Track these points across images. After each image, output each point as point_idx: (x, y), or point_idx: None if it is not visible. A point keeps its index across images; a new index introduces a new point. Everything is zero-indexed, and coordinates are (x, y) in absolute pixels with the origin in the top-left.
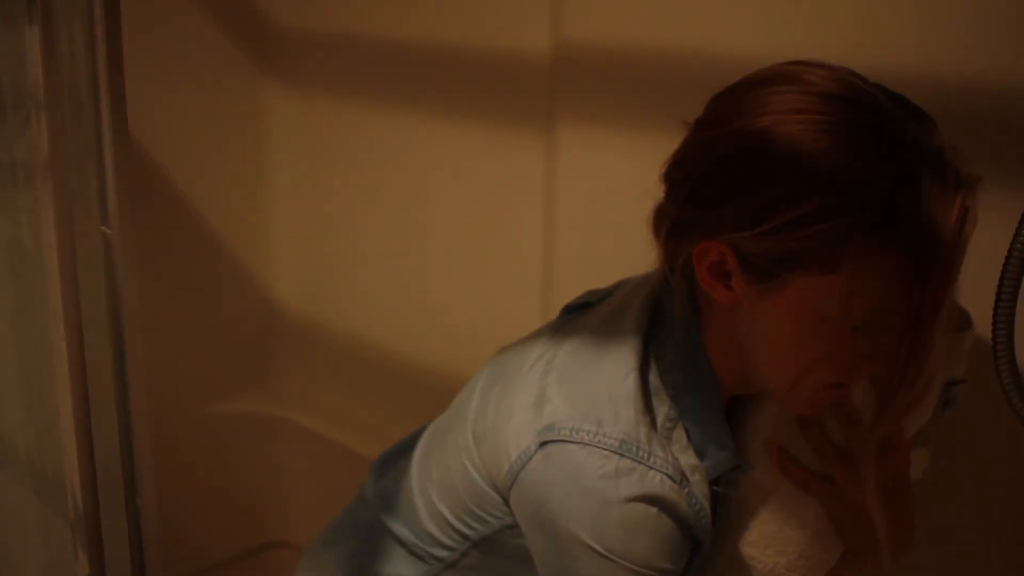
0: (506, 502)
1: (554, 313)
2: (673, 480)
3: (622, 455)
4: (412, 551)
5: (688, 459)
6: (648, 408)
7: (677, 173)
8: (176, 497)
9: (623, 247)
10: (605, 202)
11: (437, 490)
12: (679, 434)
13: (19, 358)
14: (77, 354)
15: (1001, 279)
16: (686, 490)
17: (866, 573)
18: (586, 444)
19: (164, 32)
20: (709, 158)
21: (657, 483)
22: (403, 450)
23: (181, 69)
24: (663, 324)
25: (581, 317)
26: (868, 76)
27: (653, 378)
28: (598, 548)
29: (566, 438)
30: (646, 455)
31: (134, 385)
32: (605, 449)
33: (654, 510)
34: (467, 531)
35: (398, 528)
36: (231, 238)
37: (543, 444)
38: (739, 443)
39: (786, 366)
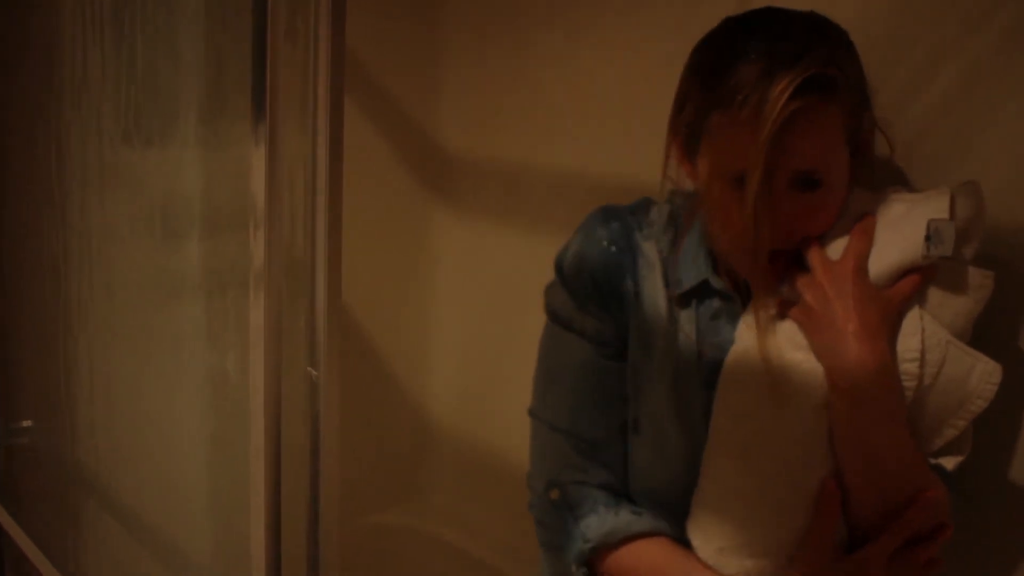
0: None
1: None
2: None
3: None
4: None
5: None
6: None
7: None
8: None
9: None
10: None
11: None
12: (661, 239)
13: (212, 483)
14: (273, 487)
15: None
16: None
17: None
18: None
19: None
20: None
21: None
22: None
23: (354, 192)
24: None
25: None
26: None
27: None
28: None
29: None
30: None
31: (325, 521)
32: None
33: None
34: None
35: None
36: (392, 354)
37: None
38: None
39: (718, 228)
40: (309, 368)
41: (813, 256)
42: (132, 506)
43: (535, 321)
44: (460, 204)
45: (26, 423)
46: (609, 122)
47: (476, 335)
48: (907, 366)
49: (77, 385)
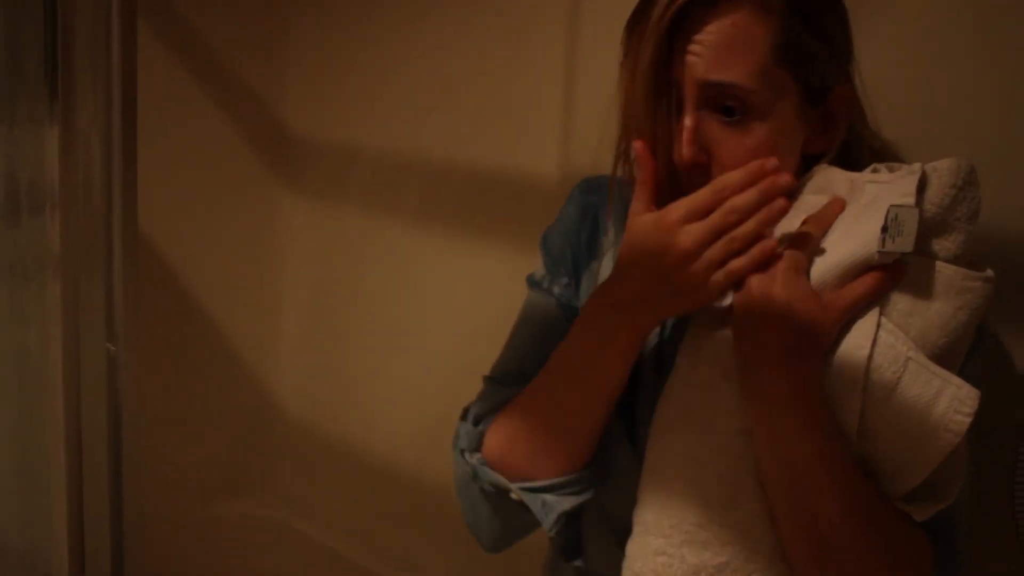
0: None
1: None
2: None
3: None
4: None
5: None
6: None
7: None
8: None
9: None
10: None
11: None
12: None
13: (18, 463)
14: (75, 464)
15: None
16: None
17: None
18: None
19: (182, 140)
20: None
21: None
22: None
23: (199, 172)
24: None
25: None
26: None
27: None
28: None
29: None
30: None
31: (129, 498)
32: None
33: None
34: None
35: None
36: (239, 341)
37: None
38: None
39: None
40: (108, 344)
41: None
42: None
43: (383, 303)
44: (305, 186)
45: None
46: (452, 105)
47: (324, 319)
48: None
49: None
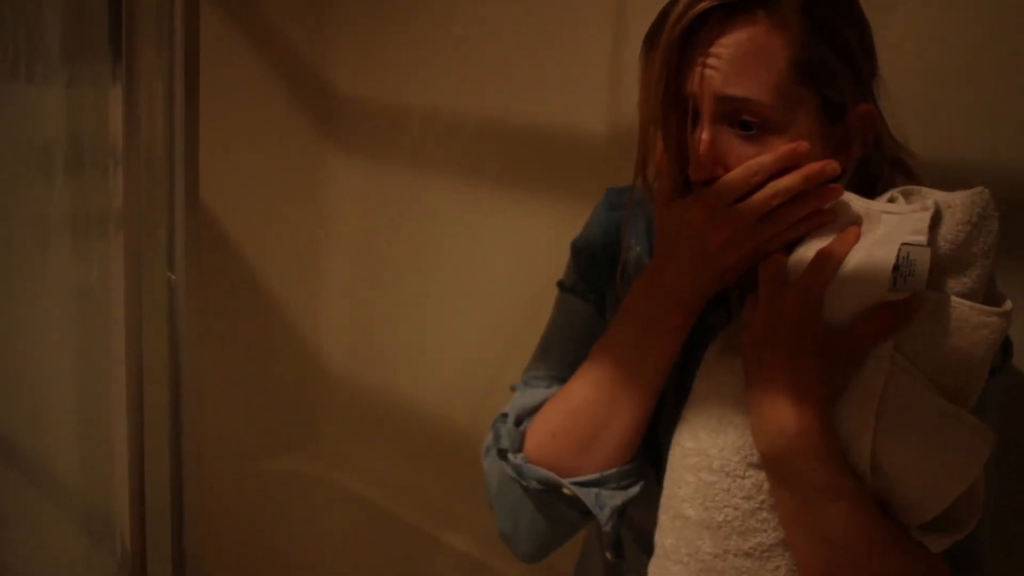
0: None
1: None
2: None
3: None
4: None
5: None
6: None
7: None
8: (217, 549)
9: None
10: None
11: None
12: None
13: (78, 400)
14: (135, 398)
15: None
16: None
17: None
18: None
19: (234, 96)
20: None
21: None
22: None
23: (248, 131)
24: None
25: None
26: None
27: None
28: None
29: None
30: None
31: (188, 431)
32: None
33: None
34: None
35: None
36: (285, 298)
37: None
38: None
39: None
40: (169, 273)
41: (763, 275)
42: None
43: (429, 262)
44: (353, 146)
45: None
46: (499, 62)
47: (370, 278)
48: None
49: None
